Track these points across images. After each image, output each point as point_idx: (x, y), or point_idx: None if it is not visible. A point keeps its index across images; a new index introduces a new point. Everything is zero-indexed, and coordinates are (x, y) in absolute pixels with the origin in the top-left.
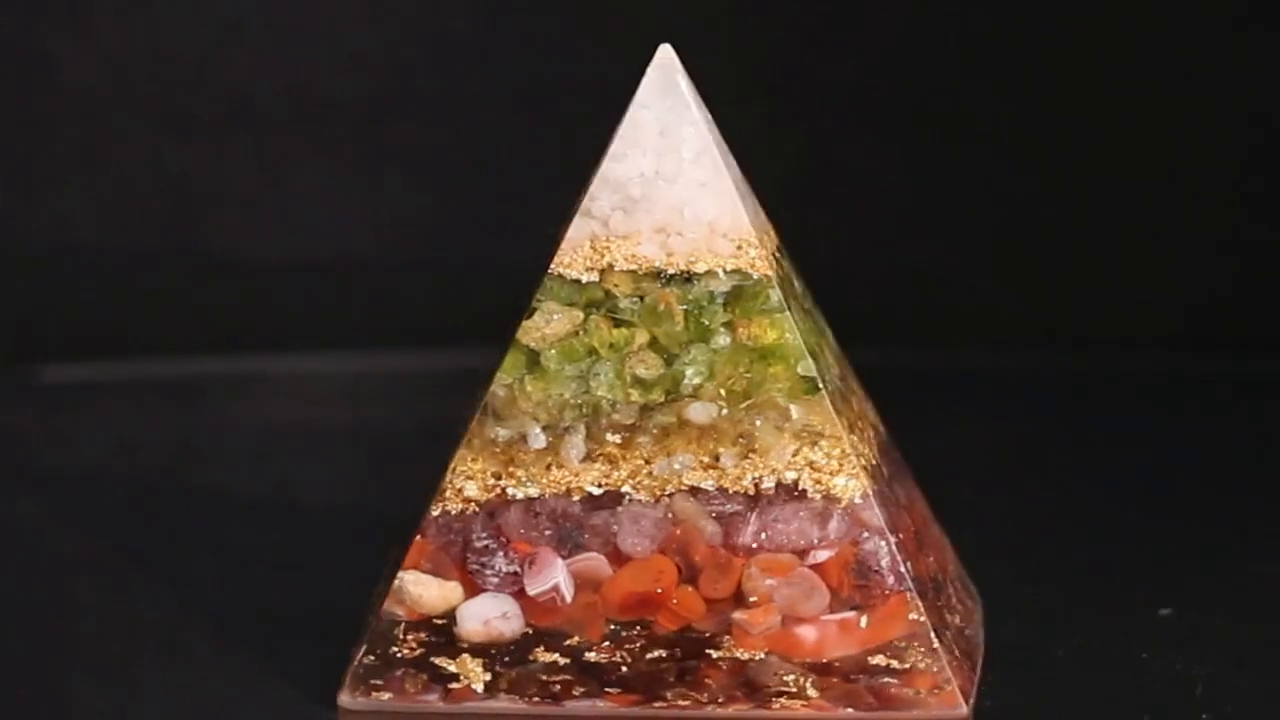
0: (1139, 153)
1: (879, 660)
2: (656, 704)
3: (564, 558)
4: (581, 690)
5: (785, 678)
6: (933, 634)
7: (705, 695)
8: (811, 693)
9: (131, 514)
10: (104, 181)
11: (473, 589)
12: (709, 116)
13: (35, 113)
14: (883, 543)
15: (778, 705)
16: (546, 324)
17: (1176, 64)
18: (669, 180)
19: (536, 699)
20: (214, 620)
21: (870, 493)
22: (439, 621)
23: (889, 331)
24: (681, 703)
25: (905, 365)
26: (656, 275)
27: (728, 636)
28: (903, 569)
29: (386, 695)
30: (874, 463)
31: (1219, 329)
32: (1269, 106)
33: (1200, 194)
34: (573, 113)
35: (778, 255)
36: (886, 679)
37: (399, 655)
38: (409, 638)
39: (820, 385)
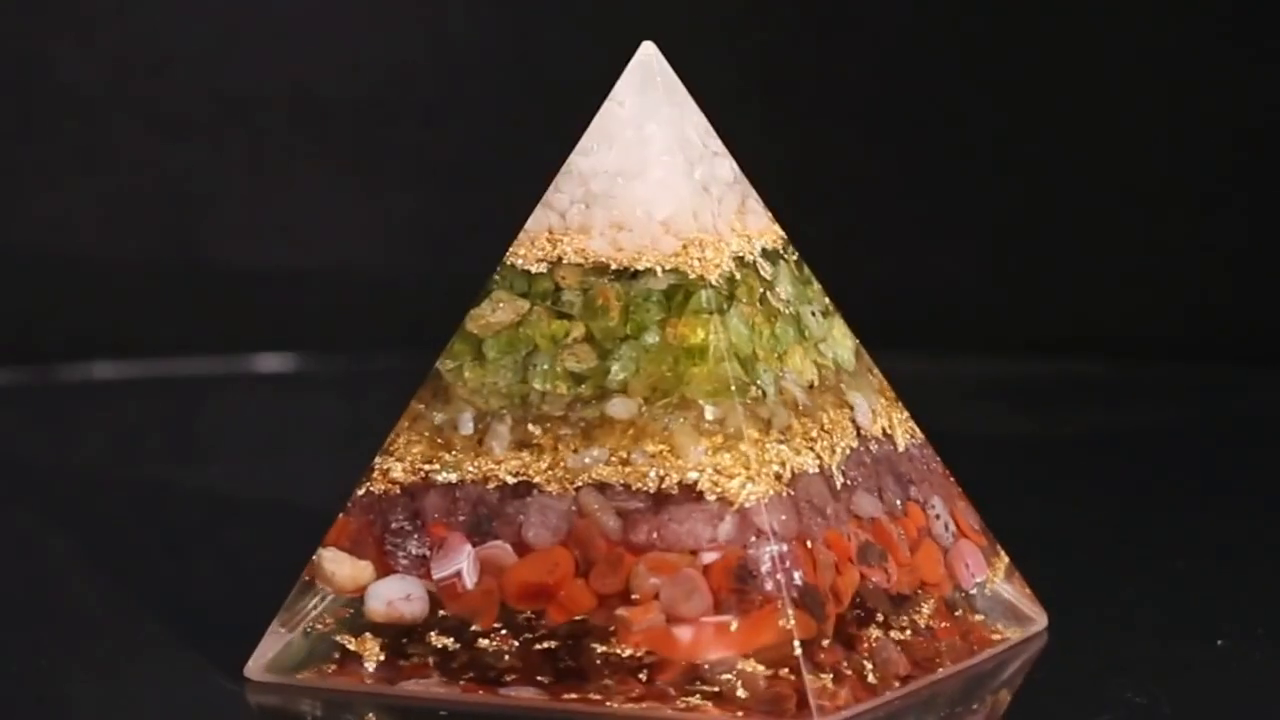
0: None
1: (747, 666)
2: (529, 694)
3: (474, 545)
4: (470, 676)
5: (640, 676)
6: (798, 646)
7: (581, 690)
8: (671, 692)
9: (131, 514)
10: (104, 183)
11: (385, 570)
12: (699, 116)
13: (35, 113)
14: (766, 549)
15: (635, 703)
16: (491, 312)
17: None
18: (630, 177)
19: (416, 682)
20: (213, 619)
21: (768, 499)
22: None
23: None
24: (567, 695)
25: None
26: (602, 270)
27: (614, 632)
28: (781, 578)
29: (291, 669)
30: (800, 471)
31: None
32: None
33: None
34: (572, 114)
35: (746, 258)
36: (738, 683)
37: (309, 631)
38: (327, 615)
39: (731, 389)
